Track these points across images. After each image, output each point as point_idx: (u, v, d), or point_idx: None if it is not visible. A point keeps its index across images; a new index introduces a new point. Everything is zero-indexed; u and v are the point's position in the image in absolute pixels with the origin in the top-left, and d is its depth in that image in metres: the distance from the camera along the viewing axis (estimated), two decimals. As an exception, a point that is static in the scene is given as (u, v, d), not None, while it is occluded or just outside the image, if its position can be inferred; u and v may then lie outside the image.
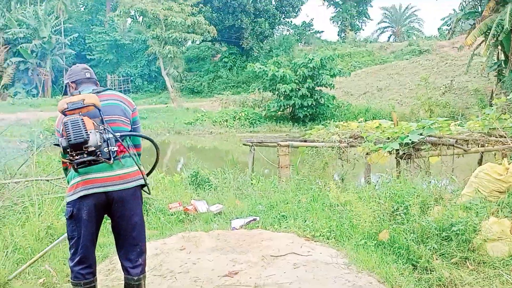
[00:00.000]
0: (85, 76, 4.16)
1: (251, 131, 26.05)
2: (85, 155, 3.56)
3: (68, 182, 3.87)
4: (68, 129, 3.52)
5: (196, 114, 30.31)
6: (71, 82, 4.13)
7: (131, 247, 3.94)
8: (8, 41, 46.46)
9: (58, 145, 3.64)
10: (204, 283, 4.76)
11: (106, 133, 3.71)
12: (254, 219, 6.71)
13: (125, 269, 3.95)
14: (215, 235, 6.08)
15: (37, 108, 33.91)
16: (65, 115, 3.69)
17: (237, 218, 6.92)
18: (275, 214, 6.92)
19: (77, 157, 3.56)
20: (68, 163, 3.74)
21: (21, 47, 45.79)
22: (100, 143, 3.61)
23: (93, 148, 3.57)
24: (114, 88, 48.42)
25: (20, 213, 6.83)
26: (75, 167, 3.62)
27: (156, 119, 29.39)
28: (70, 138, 3.50)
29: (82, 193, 3.71)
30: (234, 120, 28.13)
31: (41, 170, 8.73)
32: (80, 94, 3.87)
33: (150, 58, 46.68)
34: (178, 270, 5.10)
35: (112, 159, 3.71)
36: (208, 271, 4.97)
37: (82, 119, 3.59)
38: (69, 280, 5.10)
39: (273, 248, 5.39)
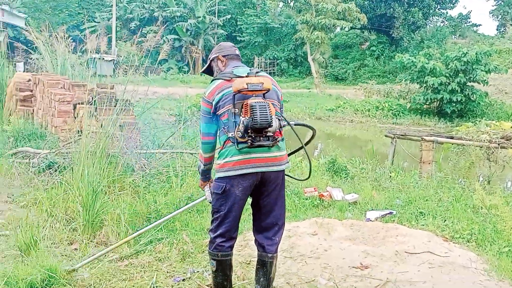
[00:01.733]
0: (235, 52, 4.25)
1: (393, 123, 25.35)
2: (261, 139, 3.72)
3: (219, 157, 3.94)
4: (256, 111, 3.64)
5: (338, 101, 30.08)
6: (222, 56, 4.20)
7: (271, 225, 4.05)
8: (166, 19, 49.16)
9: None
10: (334, 271, 4.72)
11: (282, 119, 3.86)
12: (390, 213, 6.52)
13: (261, 246, 4.07)
14: (348, 224, 6.00)
15: (187, 84, 35.46)
16: (239, 93, 3.77)
17: (372, 209, 6.78)
18: (413, 210, 6.69)
19: (255, 139, 3.71)
20: (229, 141, 3.83)
21: (177, 25, 48.29)
22: (277, 129, 3.76)
23: (271, 134, 3.73)
24: (261, 71, 49.35)
25: (164, 182, 7.22)
26: (238, 147, 3.75)
27: (298, 103, 29.59)
28: (257, 120, 3.63)
29: (242, 172, 3.82)
30: (376, 110, 27.52)
31: (186, 143, 9.14)
32: (232, 70, 3.99)
33: (297, 42, 46.89)
34: (309, 254, 5.10)
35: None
36: (339, 260, 4.92)
37: (269, 104, 3.74)
38: (203, 251, 5.34)
39: (408, 244, 5.20)
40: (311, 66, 39.82)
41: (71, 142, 7.70)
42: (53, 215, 5.84)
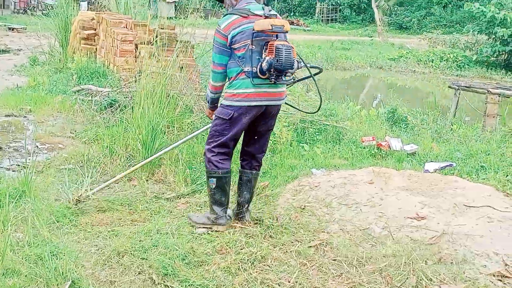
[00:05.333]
0: None
1: (457, 75, 24.45)
2: (282, 78, 4.17)
3: (230, 87, 4.31)
4: (282, 53, 4.02)
5: (401, 50, 29.16)
6: None
7: (262, 150, 4.65)
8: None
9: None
10: (389, 220, 4.67)
11: (300, 61, 4.26)
12: (450, 165, 6.36)
13: (250, 166, 4.65)
14: (406, 175, 5.89)
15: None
16: (260, 32, 4.10)
17: (431, 161, 6.63)
18: (473, 163, 6.50)
19: (277, 78, 4.14)
20: (243, 73, 4.20)
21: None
22: (295, 71, 4.22)
23: (290, 75, 4.24)
24: (322, 17, 48.84)
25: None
26: (252, 81, 4.15)
27: (359, 51, 28.88)
28: (282, 62, 4.02)
29: (252, 103, 4.24)
30: (440, 61, 26.56)
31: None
32: (248, 7, 4.28)
33: (363, -12, 45.70)
34: (364, 202, 5.05)
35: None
36: (394, 209, 4.86)
37: (292, 48, 4.11)
38: (259, 192, 5.39)
39: (467, 197, 5.07)
40: (375, 14, 38.65)
41: (132, 81, 7.81)
42: (113, 152, 5.98)
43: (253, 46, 4.13)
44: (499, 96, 9.31)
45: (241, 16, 4.21)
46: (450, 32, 38.37)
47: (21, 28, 23.51)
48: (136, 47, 9.36)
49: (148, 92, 6.02)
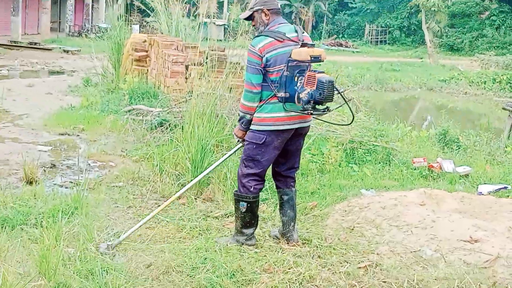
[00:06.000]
0: (278, 6, 4.46)
1: (511, 97, 23.88)
2: (319, 108, 4.20)
3: (260, 111, 4.30)
4: (325, 87, 4.00)
5: (452, 72, 28.69)
6: (267, 10, 4.36)
7: (294, 168, 4.68)
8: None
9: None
10: (441, 242, 4.55)
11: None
12: (505, 187, 6.19)
13: (285, 184, 4.65)
14: (458, 197, 5.74)
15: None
16: (299, 63, 4.14)
17: (485, 183, 6.46)
18: (529, 186, 6.31)
19: (315, 108, 4.15)
20: (275, 97, 4.22)
21: (288, -10, 48.13)
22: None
23: (328, 105, 4.26)
24: (371, 38, 48.70)
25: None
26: (285, 106, 4.18)
27: (408, 72, 28.55)
28: (324, 96, 4.02)
29: (284, 127, 4.28)
30: (493, 83, 25.96)
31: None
32: (281, 30, 4.28)
33: (412, 10, 45.29)
34: (415, 224, 4.94)
35: None
36: (447, 232, 4.73)
37: (334, 81, 4.13)
38: (307, 213, 5.36)
39: (523, 221, 4.91)
40: (425, 35, 38.25)
41: (182, 101, 7.92)
42: (163, 170, 6.06)
43: (287, 72, 4.15)
44: (556, 118, 9.03)
45: (276, 39, 4.22)
46: (503, 53, 37.55)
47: (75, 51, 24.28)
48: (187, 68, 9.52)
49: (198, 112, 6.09)
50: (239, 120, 4.50)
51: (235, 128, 4.61)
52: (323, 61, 4.30)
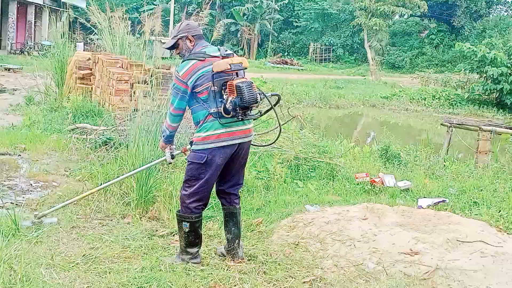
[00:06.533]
0: (201, 32, 4.56)
1: (449, 113, 24.68)
2: (248, 114, 4.24)
3: (200, 130, 4.33)
4: (244, 91, 4.09)
5: (394, 89, 29.47)
6: (191, 36, 4.45)
7: (238, 185, 4.69)
8: (223, 3, 49.39)
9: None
10: (383, 255, 4.68)
11: (260, 93, 4.30)
12: (443, 201, 6.40)
13: (229, 201, 4.65)
14: (399, 211, 5.92)
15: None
16: (220, 73, 4.18)
17: (424, 197, 6.66)
18: (466, 199, 6.54)
19: (244, 114, 4.20)
20: (210, 116, 4.24)
21: (234, 9, 48.46)
22: (259, 104, 4.26)
23: (255, 108, 4.33)
24: (316, 56, 49.60)
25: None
26: (220, 121, 4.19)
27: (352, 90, 29.17)
28: (246, 100, 4.09)
29: (224, 143, 4.28)
30: (433, 100, 26.83)
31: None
32: (203, 50, 4.36)
33: (354, 29, 46.36)
34: (358, 238, 5.07)
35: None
36: (388, 245, 4.87)
37: (252, 83, 4.20)
38: (253, 229, 5.41)
39: (460, 233, 5.10)
40: (368, 53, 39.31)
41: (127, 120, 7.86)
42: (107, 190, 5.99)
43: (215, 87, 4.20)
44: (491, 133, 9.41)
45: (198, 60, 4.28)
46: (442, 71, 38.98)
47: (17, 68, 23.68)
48: (132, 86, 9.46)
49: (142, 130, 6.07)
50: (161, 133, 4.71)
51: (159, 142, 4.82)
52: (246, 68, 4.34)
